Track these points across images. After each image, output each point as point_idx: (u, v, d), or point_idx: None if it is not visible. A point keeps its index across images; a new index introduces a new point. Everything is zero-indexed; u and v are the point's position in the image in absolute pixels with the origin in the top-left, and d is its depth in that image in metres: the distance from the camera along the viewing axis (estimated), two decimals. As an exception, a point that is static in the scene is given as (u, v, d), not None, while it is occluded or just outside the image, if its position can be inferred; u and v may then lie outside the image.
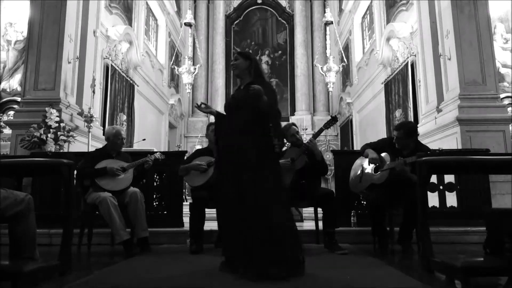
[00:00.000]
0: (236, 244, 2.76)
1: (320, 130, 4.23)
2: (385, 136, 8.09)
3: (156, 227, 4.51)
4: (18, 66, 7.53)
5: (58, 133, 5.92)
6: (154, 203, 5.16)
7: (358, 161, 4.28)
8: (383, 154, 4.03)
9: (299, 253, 2.74)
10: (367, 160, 4.07)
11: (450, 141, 6.16)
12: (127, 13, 9.80)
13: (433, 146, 5.25)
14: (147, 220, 4.07)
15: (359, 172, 4.19)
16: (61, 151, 5.94)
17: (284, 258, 2.63)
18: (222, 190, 2.92)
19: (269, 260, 2.60)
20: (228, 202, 2.86)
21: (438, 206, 4.90)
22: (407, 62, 8.30)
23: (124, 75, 9.12)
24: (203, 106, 3.16)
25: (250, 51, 15.32)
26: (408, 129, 4.01)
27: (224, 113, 3.15)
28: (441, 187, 4.90)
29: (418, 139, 6.57)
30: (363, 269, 3.04)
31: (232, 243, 2.82)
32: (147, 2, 11.30)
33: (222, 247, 3.01)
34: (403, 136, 3.96)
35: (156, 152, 4.57)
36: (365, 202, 4.93)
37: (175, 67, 11.41)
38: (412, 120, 7.86)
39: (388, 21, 9.73)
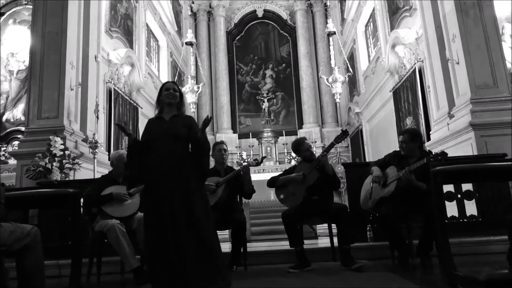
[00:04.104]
0: (169, 267, 2.85)
1: (331, 145, 4.26)
2: (397, 144, 7.96)
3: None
4: (21, 95, 7.54)
5: (63, 161, 5.87)
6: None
7: (367, 180, 4.24)
8: (389, 168, 4.01)
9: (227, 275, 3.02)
10: None
11: (465, 147, 5.96)
12: (128, 36, 9.81)
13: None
14: (157, 245, 3.96)
15: (368, 189, 4.16)
16: (67, 179, 5.88)
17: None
18: (152, 212, 3.05)
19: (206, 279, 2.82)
20: (159, 224, 2.97)
21: (457, 215, 4.75)
22: (415, 68, 8.14)
23: (127, 98, 9.07)
24: (123, 124, 3.37)
25: (254, 66, 15.34)
26: (412, 133, 4.04)
27: (139, 140, 3.36)
28: (459, 196, 4.75)
29: (432, 146, 6.59)
30: (382, 287, 2.95)
31: (164, 268, 2.88)
32: (147, 24, 11.32)
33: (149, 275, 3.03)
34: (408, 140, 3.96)
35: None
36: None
37: (179, 87, 11.36)
38: (424, 127, 7.71)
39: (392, 27, 9.60)
